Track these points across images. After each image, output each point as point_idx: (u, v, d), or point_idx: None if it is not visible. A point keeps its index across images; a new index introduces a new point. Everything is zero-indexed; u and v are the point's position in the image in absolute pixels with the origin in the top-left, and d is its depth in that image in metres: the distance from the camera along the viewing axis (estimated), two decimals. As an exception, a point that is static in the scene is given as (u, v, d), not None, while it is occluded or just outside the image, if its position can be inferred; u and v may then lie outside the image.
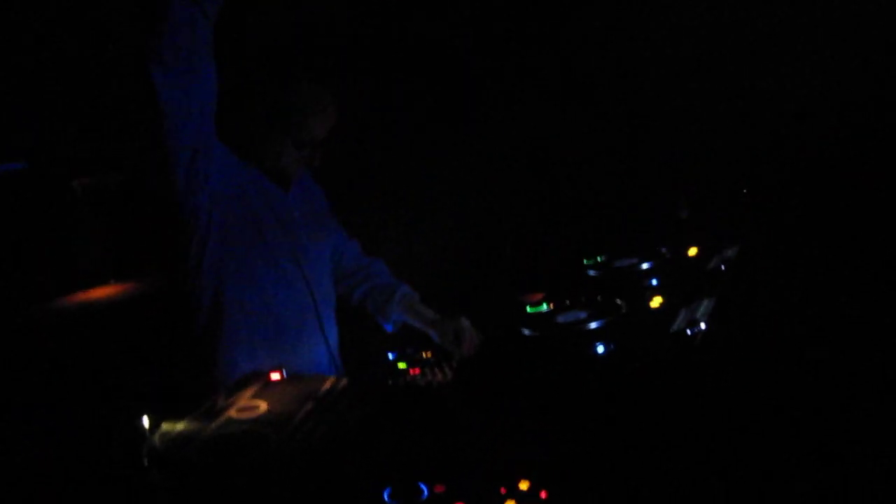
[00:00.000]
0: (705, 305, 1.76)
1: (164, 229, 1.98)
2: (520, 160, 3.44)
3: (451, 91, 3.52)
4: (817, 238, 2.39)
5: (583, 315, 1.82)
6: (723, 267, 2.05)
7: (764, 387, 1.53)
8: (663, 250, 2.27)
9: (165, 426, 1.43)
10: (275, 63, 2.18)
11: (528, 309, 1.99)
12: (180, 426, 1.44)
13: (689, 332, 1.60)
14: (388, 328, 2.24)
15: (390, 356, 1.94)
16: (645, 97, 3.39)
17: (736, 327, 1.69)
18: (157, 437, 1.40)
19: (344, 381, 1.62)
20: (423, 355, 1.93)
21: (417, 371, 1.82)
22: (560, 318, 1.84)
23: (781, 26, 3.24)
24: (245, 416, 1.47)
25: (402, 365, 1.88)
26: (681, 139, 3.29)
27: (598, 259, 2.31)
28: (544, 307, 1.96)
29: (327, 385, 1.59)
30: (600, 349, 1.61)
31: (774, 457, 1.41)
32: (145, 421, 1.43)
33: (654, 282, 2.04)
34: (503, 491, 1.22)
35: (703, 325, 1.61)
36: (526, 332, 1.81)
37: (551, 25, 3.55)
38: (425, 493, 1.21)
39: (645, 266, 2.17)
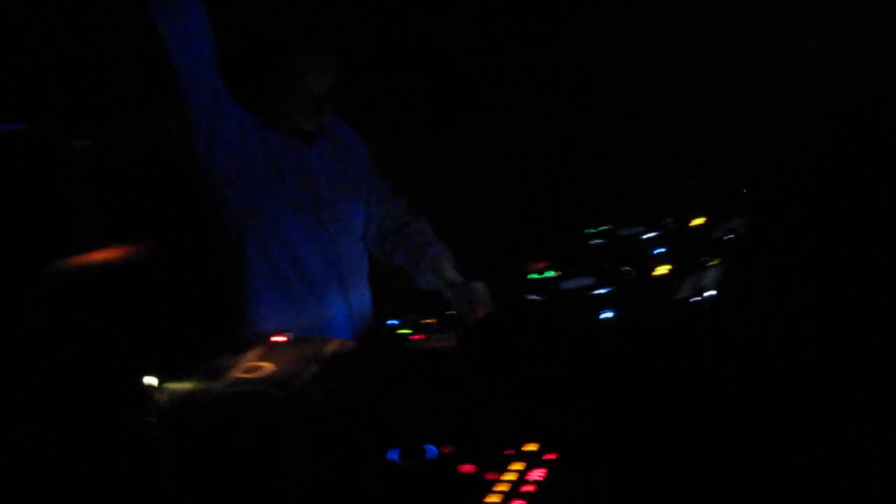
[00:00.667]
0: (712, 273, 1.75)
1: (183, 182, 2.03)
2: (523, 129, 3.42)
3: (457, 74, 3.51)
4: (826, 207, 2.38)
5: (589, 281, 1.82)
6: (730, 236, 2.04)
7: (771, 355, 1.53)
8: (669, 220, 2.25)
9: (171, 385, 1.43)
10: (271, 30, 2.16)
11: (531, 275, 1.98)
12: (186, 385, 1.43)
13: (695, 299, 1.60)
14: (423, 287, 2.23)
15: (393, 322, 1.94)
16: (653, 70, 3.36)
17: (743, 295, 1.69)
18: (161, 397, 1.40)
19: (350, 344, 1.62)
20: (426, 321, 1.93)
21: (421, 336, 1.82)
22: (566, 285, 1.84)
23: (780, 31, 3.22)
24: (250, 376, 1.47)
25: (405, 331, 1.87)
26: (687, 110, 3.27)
27: (603, 227, 2.30)
28: (550, 273, 1.96)
29: (333, 347, 1.59)
30: (607, 315, 1.60)
31: (779, 424, 1.41)
32: (150, 381, 1.42)
33: (660, 250, 2.02)
34: (510, 452, 1.22)
35: (709, 293, 1.61)
36: (532, 297, 1.80)
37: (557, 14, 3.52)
38: (432, 453, 1.21)
39: (650, 235, 2.16)
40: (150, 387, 1.42)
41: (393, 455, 1.22)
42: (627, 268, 1.85)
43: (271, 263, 2.04)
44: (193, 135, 1.93)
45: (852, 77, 3.00)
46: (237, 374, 1.48)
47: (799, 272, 1.91)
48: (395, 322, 1.93)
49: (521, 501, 1.13)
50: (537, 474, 1.18)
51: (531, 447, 1.23)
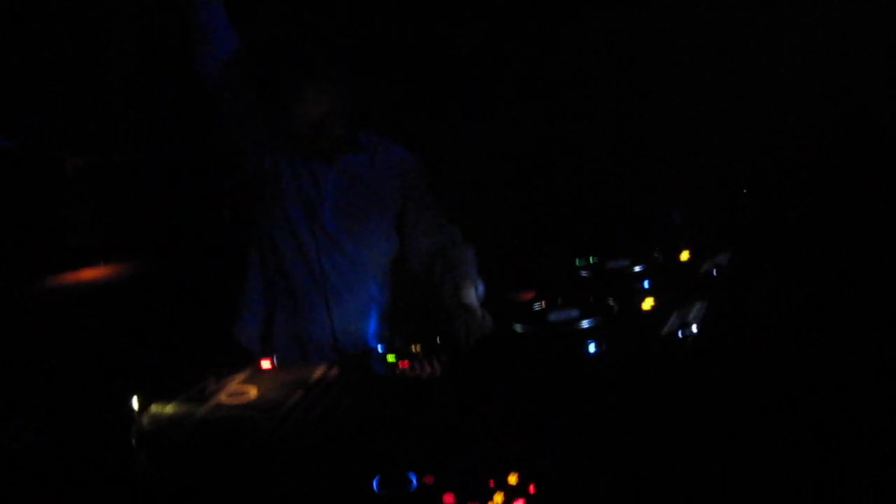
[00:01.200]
0: (697, 309, 1.77)
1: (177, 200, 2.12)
2: (513, 160, 3.44)
3: (443, 92, 3.52)
4: (811, 243, 2.41)
5: (575, 314, 1.83)
6: (714, 272, 2.07)
7: (754, 391, 1.54)
8: (655, 254, 2.27)
9: (154, 408, 1.43)
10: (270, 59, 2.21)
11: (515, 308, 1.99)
12: (169, 409, 1.44)
13: (680, 334, 1.61)
14: None
15: (380, 349, 1.94)
16: (641, 100, 3.40)
17: (727, 332, 1.70)
18: (145, 419, 1.40)
19: (334, 371, 1.62)
20: (413, 348, 1.93)
21: (406, 364, 1.82)
22: (552, 316, 1.85)
23: (779, 32, 3.25)
24: (235, 401, 1.47)
25: (391, 358, 1.87)
26: (676, 143, 3.30)
27: (591, 260, 2.32)
28: (535, 305, 1.97)
29: (318, 374, 1.60)
30: (592, 348, 1.61)
31: (763, 461, 1.43)
32: (135, 402, 1.42)
33: (646, 284, 2.04)
34: (492, 483, 1.22)
35: (694, 329, 1.62)
36: (518, 328, 1.81)
37: (547, 29, 3.55)
38: (414, 483, 1.21)
39: (637, 268, 2.18)
40: (135, 409, 1.42)
41: (375, 483, 1.22)
42: (612, 301, 1.86)
43: (265, 275, 2.16)
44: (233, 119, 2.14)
45: (849, 83, 3.04)
46: (222, 398, 1.48)
47: (783, 309, 1.93)
48: (381, 348, 1.93)
49: (501, 533, 1.13)
50: (518, 506, 1.18)
51: (513, 478, 1.23)
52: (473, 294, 2.11)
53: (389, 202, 2.24)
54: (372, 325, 2.23)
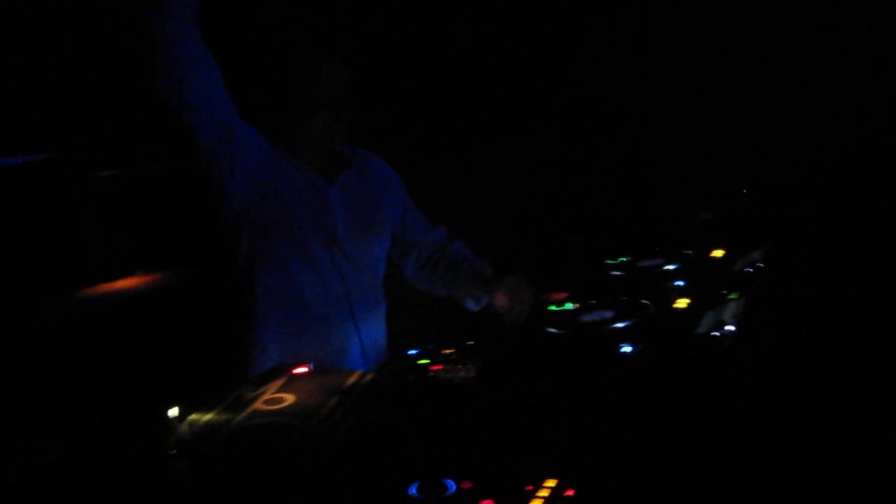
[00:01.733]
0: (732, 308, 1.75)
1: (199, 218, 2.04)
2: (544, 161, 3.43)
3: (473, 95, 3.53)
4: (845, 240, 2.38)
5: (608, 315, 1.82)
6: (749, 269, 2.04)
7: (791, 391, 1.52)
8: (688, 252, 2.26)
9: (193, 416, 1.45)
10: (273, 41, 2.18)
11: (551, 307, 1.98)
12: (208, 417, 1.45)
13: (716, 334, 1.60)
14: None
15: (410, 352, 1.94)
16: (674, 97, 3.38)
17: (764, 331, 1.68)
18: (185, 427, 1.42)
19: (370, 376, 1.62)
20: (445, 352, 1.93)
21: (439, 367, 1.82)
22: (585, 318, 1.84)
23: (806, 26, 3.22)
24: (271, 408, 1.48)
25: (423, 361, 1.88)
26: (706, 140, 3.28)
27: (622, 259, 2.30)
28: (569, 306, 1.96)
29: (353, 379, 1.60)
30: (627, 349, 1.60)
31: (801, 460, 1.41)
32: (174, 411, 1.44)
33: (679, 283, 2.02)
34: (529, 488, 1.22)
35: (730, 328, 1.60)
36: (551, 330, 1.80)
37: (571, 32, 3.55)
38: (452, 488, 1.21)
39: (669, 267, 2.16)
40: (172, 418, 1.43)
41: (412, 490, 1.22)
42: (646, 301, 1.85)
43: (280, 301, 2.03)
44: (209, 171, 1.94)
45: (873, 111, 3.00)
46: (258, 405, 1.49)
47: (818, 306, 1.90)
48: (414, 352, 1.94)
49: (540, 537, 1.13)
50: (557, 510, 1.18)
51: (550, 483, 1.23)
52: (492, 274, 2.16)
53: (387, 212, 2.26)
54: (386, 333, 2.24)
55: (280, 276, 2.03)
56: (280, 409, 1.47)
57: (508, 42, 3.56)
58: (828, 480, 1.39)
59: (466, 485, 1.22)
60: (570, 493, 1.21)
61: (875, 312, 1.88)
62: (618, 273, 2.22)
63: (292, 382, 1.60)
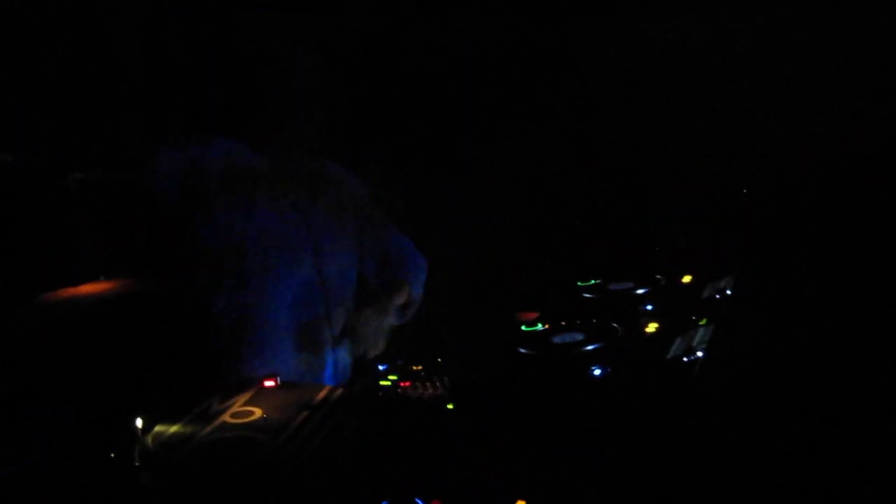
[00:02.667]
0: (701, 333, 1.77)
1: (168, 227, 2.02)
2: (516, 181, 3.45)
3: (447, 114, 3.54)
4: (815, 266, 2.41)
5: (579, 337, 1.83)
6: (717, 296, 2.06)
7: (762, 417, 1.54)
8: (658, 276, 2.28)
9: (159, 428, 1.42)
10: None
11: (524, 328, 1.99)
12: (174, 429, 1.43)
13: (685, 359, 1.61)
14: None
15: (380, 367, 1.93)
16: (644, 123, 3.41)
17: (733, 357, 1.70)
18: (150, 439, 1.39)
19: (339, 391, 1.61)
20: (414, 368, 1.92)
21: (408, 384, 1.81)
22: (556, 339, 1.84)
23: (782, 52, 3.28)
24: (239, 421, 1.46)
25: (392, 377, 1.87)
26: (679, 166, 3.31)
27: (593, 282, 2.32)
28: (539, 326, 1.97)
29: (322, 394, 1.59)
30: (597, 372, 1.61)
31: (773, 486, 1.42)
32: (139, 422, 1.41)
33: (650, 307, 2.04)
34: (499, 510, 1.21)
35: (699, 354, 1.62)
36: (522, 350, 1.81)
37: (551, 55, 3.57)
38: (421, 508, 1.21)
39: (640, 291, 2.18)
40: (138, 429, 1.41)
41: (381, 508, 1.21)
42: (616, 324, 1.86)
43: (255, 315, 2.03)
44: None
45: (852, 139, 3.05)
46: (226, 418, 1.47)
47: (789, 333, 1.93)
48: (383, 367, 1.93)
49: (508, 560, 1.12)
50: (525, 532, 1.17)
51: (520, 503, 1.23)
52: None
53: (357, 221, 2.26)
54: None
55: (255, 297, 2.03)
56: (248, 423, 1.45)
57: (493, 59, 3.58)
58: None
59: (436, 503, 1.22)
60: (539, 515, 1.21)
61: (846, 340, 1.91)
62: (589, 295, 2.23)
63: (260, 395, 1.58)
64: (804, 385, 1.67)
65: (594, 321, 1.92)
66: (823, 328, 1.95)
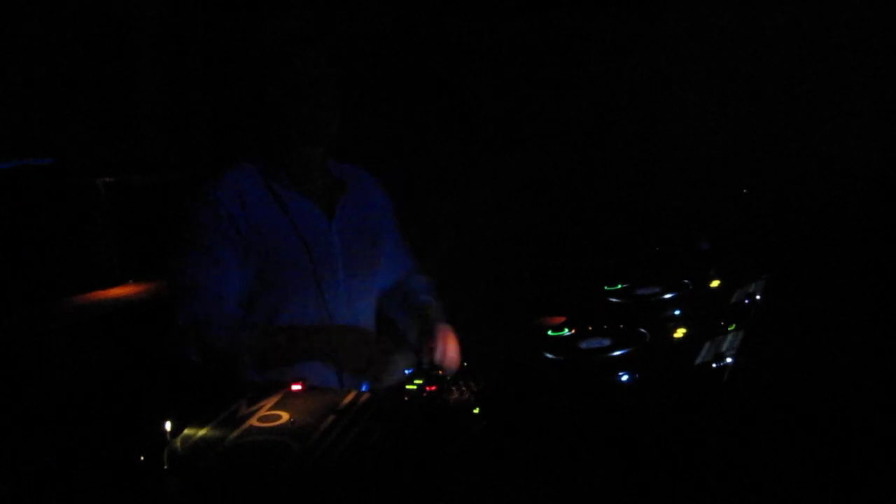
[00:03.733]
0: (730, 339, 1.75)
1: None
2: (544, 185, 3.44)
3: (475, 117, 3.54)
4: (845, 271, 2.38)
5: (606, 342, 1.81)
6: (746, 301, 2.04)
7: (793, 424, 1.52)
8: (686, 281, 2.25)
9: (187, 431, 1.43)
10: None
11: (550, 332, 1.98)
12: (202, 432, 1.43)
13: (714, 365, 1.59)
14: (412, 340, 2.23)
15: (406, 372, 1.93)
16: (674, 126, 3.39)
17: (763, 363, 1.68)
18: (178, 443, 1.40)
19: (365, 395, 1.61)
20: (440, 372, 1.92)
21: (434, 388, 1.81)
22: (583, 344, 1.83)
23: (810, 58, 3.24)
24: (267, 425, 1.46)
25: (418, 381, 1.86)
26: (706, 170, 3.29)
27: (620, 286, 2.30)
28: (566, 332, 1.95)
29: (349, 398, 1.59)
30: (624, 378, 1.59)
31: (803, 493, 1.40)
32: (167, 425, 1.42)
33: (677, 312, 2.02)
34: (526, 517, 1.21)
35: (729, 360, 1.60)
36: (549, 355, 1.80)
37: (576, 59, 3.57)
38: (448, 514, 1.20)
39: (668, 296, 2.16)
40: (167, 432, 1.42)
41: (408, 513, 1.21)
42: (643, 330, 1.85)
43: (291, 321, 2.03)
44: None
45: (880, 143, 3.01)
46: (254, 422, 1.48)
47: (819, 339, 1.90)
48: (409, 371, 1.92)
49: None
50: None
51: (546, 511, 1.22)
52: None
53: (383, 244, 2.25)
54: None
55: (265, 310, 2.04)
56: (275, 427, 1.46)
57: (516, 62, 3.58)
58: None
59: (463, 511, 1.22)
60: (567, 522, 1.20)
61: (878, 346, 1.88)
62: (616, 300, 2.21)
63: (288, 399, 1.58)
64: (834, 392, 1.65)
65: (621, 326, 1.91)
66: (854, 334, 1.92)
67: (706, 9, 3.31)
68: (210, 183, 2.00)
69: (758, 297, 2.05)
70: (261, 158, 2.09)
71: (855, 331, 2.05)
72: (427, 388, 1.79)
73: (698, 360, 1.65)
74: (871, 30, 3.05)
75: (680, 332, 1.84)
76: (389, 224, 2.31)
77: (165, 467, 1.35)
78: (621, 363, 1.69)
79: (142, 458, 1.37)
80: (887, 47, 3.02)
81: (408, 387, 1.74)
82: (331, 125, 2.09)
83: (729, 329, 1.80)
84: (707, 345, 1.74)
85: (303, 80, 2.02)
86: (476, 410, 1.57)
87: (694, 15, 3.34)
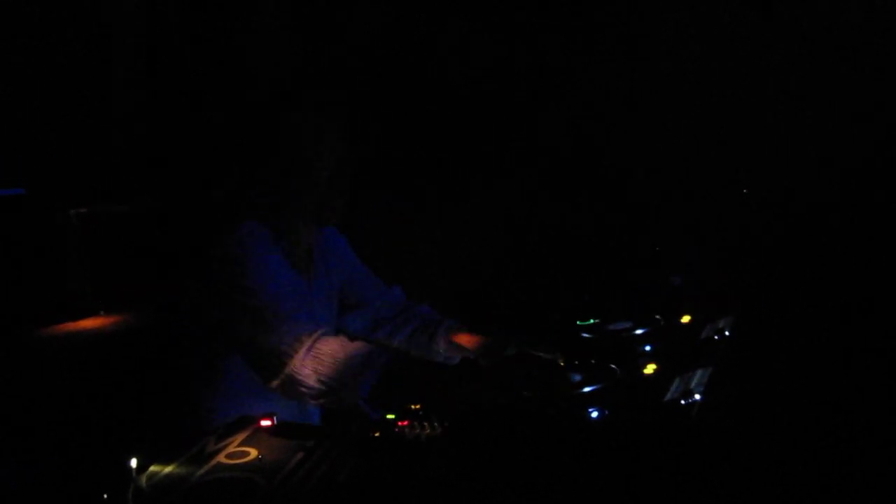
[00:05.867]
0: (699, 375, 1.76)
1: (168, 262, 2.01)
2: (515, 220, 3.46)
3: (445, 154, 3.57)
4: (813, 308, 2.41)
5: (577, 378, 1.82)
6: (716, 337, 2.06)
7: (760, 462, 1.53)
8: (657, 317, 2.27)
9: (153, 468, 1.41)
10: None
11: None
12: (168, 469, 1.42)
13: (683, 402, 1.60)
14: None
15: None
16: (644, 160, 3.44)
17: (732, 400, 1.69)
18: (143, 480, 1.38)
19: (336, 431, 1.60)
20: (412, 407, 1.91)
21: (406, 423, 1.80)
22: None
23: (773, 92, 3.31)
24: (234, 462, 1.45)
25: (389, 416, 1.85)
26: (678, 205, 3.33)
27: (592, 321, 2.31)
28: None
29: (318, 434, 1.58)
30: (594, 414, 1.60)
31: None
32: (133, 462, 1.40)
33: (648, 348, 2.04)
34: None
35: (697, 396, 1.61)
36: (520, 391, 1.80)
37: (546, 93, 3.61)
38: (416, 553, 1.20)
39: (639, 331, 2.17)
40: (132, 469, 1.40)
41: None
42: (614, 366, 1.86)
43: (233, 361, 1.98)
44: None
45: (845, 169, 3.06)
46: (222, 458, 1.46)
47: (788, 376, 1.92)
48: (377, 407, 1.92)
49: None
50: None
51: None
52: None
53: (344, 276, 2.25)
54: None
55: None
56: (243, 464, 1.44)
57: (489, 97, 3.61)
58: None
59: (430, 550, 1.21)
60: (534, 561, 1.20)
61: (846, 383, 1.90)
62: (588, 335, 2.22)
63: (257, 436, 1.57)
64: (802, 429, 1.66)
65: (592, 362, 1.92)
66: (823, 371, 1.94)
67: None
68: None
69: (727, 332, 2.07)
70: (254, 221, 2.02)
71: (826, 367, 2.07)
72: (399, 424, 1.78)
73: (668, 397, 1.67)
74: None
75: (650, 368, 1.86)
76: (350, 260, 2.28)
77: (131, 504, 1.33)
78: (591, 399, 1.70)
79: (105, 496, 1.35)
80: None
81: (378, 422, 1.74)
82: (338, 213, 2.07)
83: (698, 366, 1.82)
84: (677, 381, 1.75)
85: (320, 162, 1.99)
86: (444, 447, 1.56)
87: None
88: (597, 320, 2.31)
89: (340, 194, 2.05)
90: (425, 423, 1.76)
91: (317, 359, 1.81)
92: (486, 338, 2.14)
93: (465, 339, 2.18)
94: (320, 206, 2.03)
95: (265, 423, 1.63)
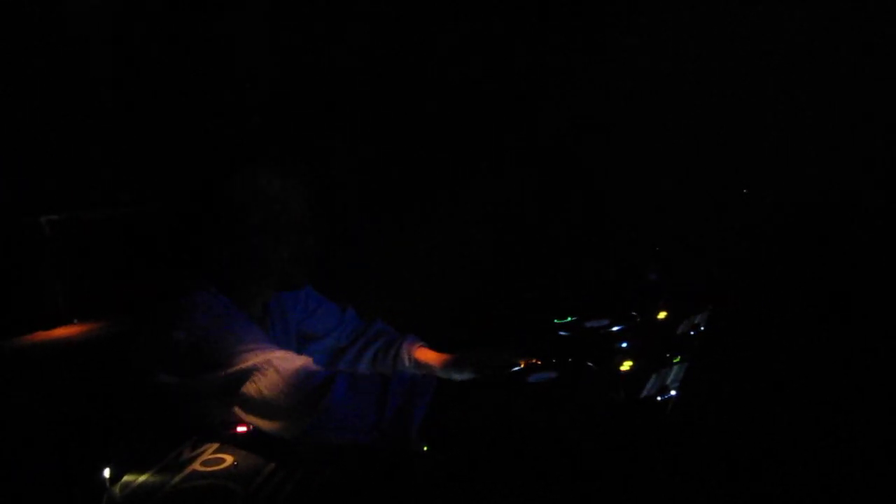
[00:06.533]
0: (675, 372, 1.77)
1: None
2: (492, 218, 3.46)
3: (424, 154, 3.56)
4: (790, 303, 2.42)
5: (553, 376, 1.82)
6: (692, 332, 2.07)
7: (736, 458, 1.54)
8: (634, 313, 2.28)
9: (127, 478, 1.40)
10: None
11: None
12: (143, 478, 1.40)
13: (659, 398, 1.61)
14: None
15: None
16: (621, 159, 3.45)
17: (707, 396, 1.70)
18: (118, 489, 1.37)
19: (310, 438, 1.59)
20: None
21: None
22: (531, 378, 1.84)
23: (763, 97, 3.33)
24: (210, 469, 1.44)
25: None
26: (655, 201, 3.34)
27: (570, 318, 2.32)
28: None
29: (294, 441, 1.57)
30: (571, 409, 1.60)
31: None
32: (106, 472, 1.39)
33: (625, 344, 2.04)
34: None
35: (673, 392, 1.62)
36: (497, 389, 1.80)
37: (529, 96, 3.61)
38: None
39: (616, 328, 2.18)
40: (106, 479, 1.38)
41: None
42: (591, 363, 1.86)
43: None
44: None
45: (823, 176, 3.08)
46: (197, 466, 1.45)
47: (763, 369, 1.93)
48: None
49: None
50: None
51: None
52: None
53: (298, 314, 2.21)
54: None
55: None
56: (218, 471, 1.43)
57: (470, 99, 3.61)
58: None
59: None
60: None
61: (822, 379, 1.91)
62: (565, 333, 2.23)
63: (232, 443, 1.56)
64: (779, 425, 1.67)
65: (569, 359, 1.92)
66: (800, 367, 1.95)
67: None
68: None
69: (702, 328, 2.08)
70: (212, 285, 1.89)
71: (802, 363, 2.08)
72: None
73: (643, 394, 1.67)
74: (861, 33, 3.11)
75: (626, 365, 1.86)
76: (301, 300, 2.24)
77: (104, 515, 1.32)
78: (569, 395, 1.70)
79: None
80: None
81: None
82: (306, 277, 2.00)
83: (674, 361, 1.83)
84: (653, 377, 1.76)
85: (285, 220, 1.89)
86: (424, 448, 1.56)
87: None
88: (574, 318, 2.31)
89: (307, 259, 1.96)
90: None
91: (265, 376, 1.64)
92: (448, 355, 2.12)
93: (429, 357, 2.16)
94: (285, 273, 1.94)
95: (241, 429, 1.62)
